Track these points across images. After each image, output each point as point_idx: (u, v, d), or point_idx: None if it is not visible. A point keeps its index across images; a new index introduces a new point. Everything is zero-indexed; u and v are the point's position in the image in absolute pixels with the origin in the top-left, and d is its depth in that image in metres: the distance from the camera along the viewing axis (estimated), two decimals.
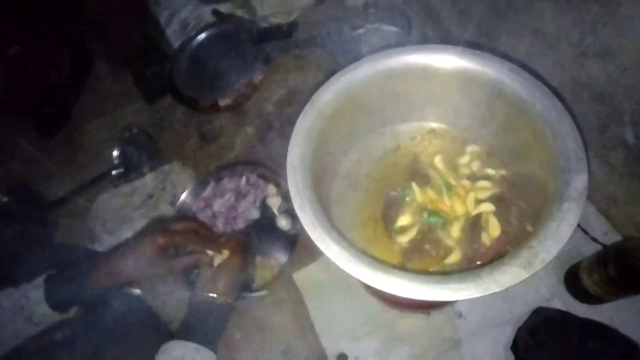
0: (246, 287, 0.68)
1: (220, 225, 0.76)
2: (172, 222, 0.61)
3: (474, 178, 0.49)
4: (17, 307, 0.52)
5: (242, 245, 0.66)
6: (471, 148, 0.51)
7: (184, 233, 0.59)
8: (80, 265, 0.57)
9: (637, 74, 0.51)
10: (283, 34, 0.85)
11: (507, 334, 0.60)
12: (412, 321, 0.63)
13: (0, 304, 0.52)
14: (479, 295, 0.34)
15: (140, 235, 0.59)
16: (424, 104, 0.51)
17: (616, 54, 0.53)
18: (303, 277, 0.69)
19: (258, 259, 0.72)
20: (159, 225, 0.59)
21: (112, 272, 0.55)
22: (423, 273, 0.35)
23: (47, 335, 0.55)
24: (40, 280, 0.53)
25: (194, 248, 0.60)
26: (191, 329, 0.54)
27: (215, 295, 0.57)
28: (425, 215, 0.48)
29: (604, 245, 0.62)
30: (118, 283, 0.57)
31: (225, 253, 0.62)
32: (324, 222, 0.38)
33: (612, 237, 0.64)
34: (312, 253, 0.70)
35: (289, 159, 0.42)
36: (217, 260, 0.61)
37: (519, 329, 0.58)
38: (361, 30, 0.79)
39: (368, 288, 0.64)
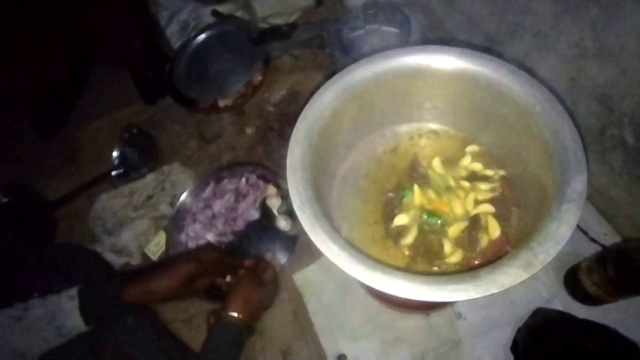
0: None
1: (220, 226, 0.76)
2: (202, 252, 0.64)
3: (473, 179, 0.49)
4: (49, 316, 0.52)
5: (259, 263, 0.66)
6: (471, 149, 0.51)
7: (213, 264, 0.62)
8: (115, 280, 0.59)
9: (636, 75, 0.51)
10: (282, 34, 0.85)
11: (507, 334, 0.60)
12: (412, 322, 0.63)
13: (32, 310, 0.53)
14: (478, 296, 0.34)
15: (175, 259, 0.63)
16: (424, 104, 0.51)
17: (615, 55, 0.53)
18: (303, 277, 0.70)
19: None
20: (193, 254, 0.63)
21: (146, 291, 0.57)
22: (423, 274, 0.35)
23: None
24: (73, 292, 0.54)
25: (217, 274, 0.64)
26: (207, 354, 0.56)
27: (230, 313, 0.57)
28: (424, 215, 0.48)
29: (604, 246, 0.62)
30: (149, 301, 0.60)
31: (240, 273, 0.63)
32: (324, 223, 0.38)
33: (612, 238, 0.64)
34: (312, 254, 0.70)
35: (288, 160, 0.42)
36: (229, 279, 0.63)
37: (519, 330, 0.58)
38: (361, 31, 0.79)
39: (368, 289, 0.64)
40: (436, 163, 0.50)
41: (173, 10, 1.09)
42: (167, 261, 0.68)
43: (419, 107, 0.52)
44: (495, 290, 0.34)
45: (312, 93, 0.46)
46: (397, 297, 0.34)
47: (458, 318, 0.63)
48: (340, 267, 0.36)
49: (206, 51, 0.99)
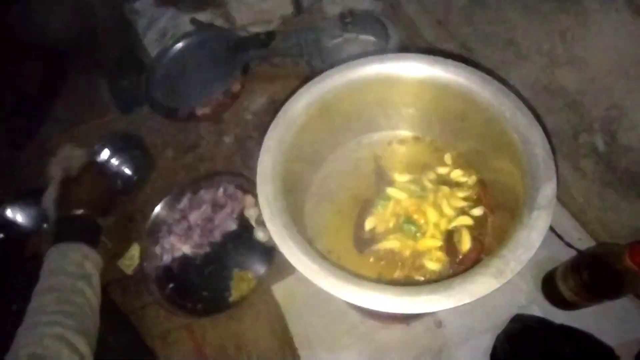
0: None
1: (196, 238, 0.74)
2: None
3: (448, 185, 0.49)
4: None
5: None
6: (445, 156, 0.51)
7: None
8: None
9: (604, 82, 0.52)
10: (261, 42, 0.85)
11: (487, 341, 0.60)
12: (392, 332, 0.63)
13: None
14: (451, 306, 0.33)
15: None
16: (398, 112, 0.51)
17: (584, 63, 0.54)
18: (282, 289, 0.68)
19: (235, 271, 0.70)
20: None
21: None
22: (395, 285, 0.35)
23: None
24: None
25: None
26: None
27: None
28: (401, 220, 0.47)
29: (579, 251, 0.62)
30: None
31: None
32: (294, 234, 0.38)
33: (586, 243, 0.65)
34: (292, 265, 0.69)
35: (259, 170, 0.41)
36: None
37: (498, 337, 0.58)
38: (339, 40, 0.79)
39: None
40: (412, 169, 0.50)
41: (151, 18, 1.07)
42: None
43: (393, 115, 0.51)
44: (468, 300, 0.33)
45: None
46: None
47: (438, 327, 0.62)
48: (310, 279, 0.35)
49: (184, 59, 0.98)
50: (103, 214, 0.68)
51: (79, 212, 0.64)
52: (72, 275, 0.55)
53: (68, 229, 0.62)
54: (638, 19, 0.43)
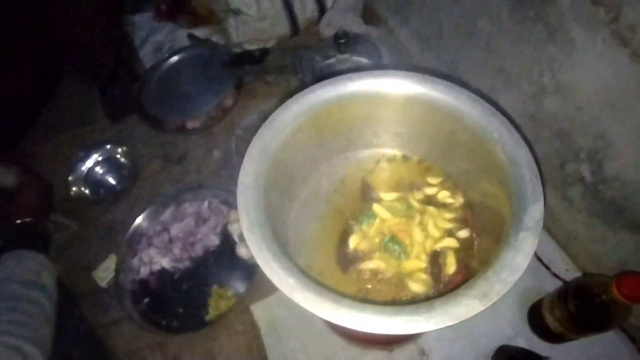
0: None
1: (176, 251, 0.71)
2: None
3: (434, 206, 0.48)
4: None
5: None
6: (432, 175, 0.50)
7: None
8: None
9: (591, 111, 0.53)
10: (254, 59, 0.86)
11: None
12: (374, 359, 0.60)
13: None
14: (432, 328, 0.32)
15: None
16: (386, 130, 0.50)
17: (571, 92, 0.54)
18: (261, 309, 0.66)
19: (214, 288, 0.68)
20: None
21: None
22: (375, 304, 0.33)
23: None
24: None
25: None
26: None
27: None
28: (386, 239, 0.46)
29: (565, 282, 0.61)
30: None
31: None
32: (273, 247, 0.36)
33: (574, 274, 0.64)
34: (273, 284, 0.66)
35: (240, 178, 0.40)
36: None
37: None
38: (332, 60, 0.80)
39: (327, 323, 0.61)
40: (398, 188, 0.49)
41: (148, 31, 1.08)
42: None
43: (382, 132, 0.51)
44: (450, 323, 0.32)
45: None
46: (354, 331, 0.32)
47: (421, 355, 0.60)
48: (285, 293, 0.33)
49: (178, 72, 0.98)
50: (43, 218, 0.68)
51: (27, 219, 0.64)
52: (27, 284, 0.54)
53: (19, 237, 0.61)
54: (624, 49, 0.44)
